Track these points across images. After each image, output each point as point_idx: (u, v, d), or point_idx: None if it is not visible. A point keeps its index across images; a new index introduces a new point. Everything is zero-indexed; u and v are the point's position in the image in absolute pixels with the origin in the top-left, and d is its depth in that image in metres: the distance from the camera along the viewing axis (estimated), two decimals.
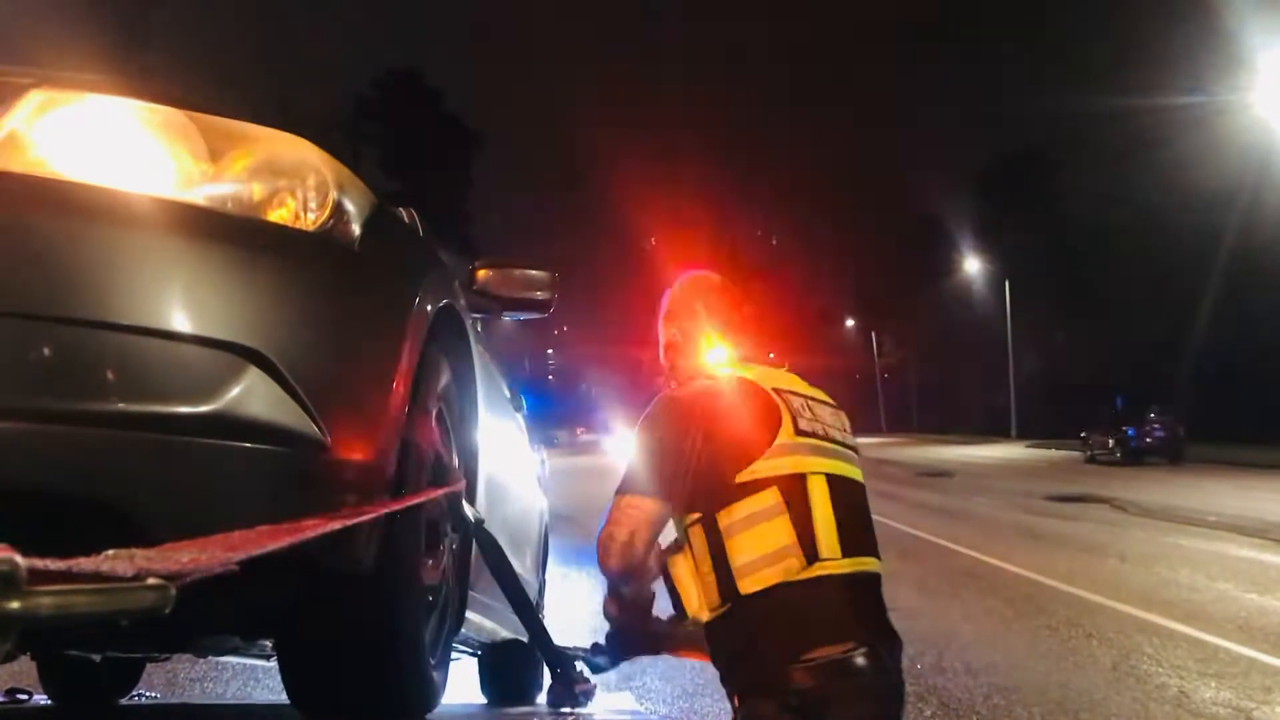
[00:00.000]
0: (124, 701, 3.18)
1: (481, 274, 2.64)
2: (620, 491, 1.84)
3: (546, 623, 2.69)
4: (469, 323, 2.20)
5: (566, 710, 2.30)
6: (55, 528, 1.02)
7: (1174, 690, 4.77)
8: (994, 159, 51.14)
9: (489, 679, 3.64)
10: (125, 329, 1.14)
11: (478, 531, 2.02)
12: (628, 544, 1.79)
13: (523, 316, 2.80)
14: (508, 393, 3.24)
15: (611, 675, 5.10)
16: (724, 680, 1.84)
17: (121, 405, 1.12)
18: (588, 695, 2.37)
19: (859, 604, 1.77)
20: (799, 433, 1.81)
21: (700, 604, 1.81)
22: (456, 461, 2.01)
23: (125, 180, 1.25)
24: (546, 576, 4.07)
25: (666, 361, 2.14)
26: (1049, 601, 7.11)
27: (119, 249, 1.18)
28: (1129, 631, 6.04)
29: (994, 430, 43.53)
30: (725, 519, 1.75)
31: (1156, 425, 24.25)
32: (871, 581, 1.83)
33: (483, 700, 3.57)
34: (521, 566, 2.79)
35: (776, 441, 1.78)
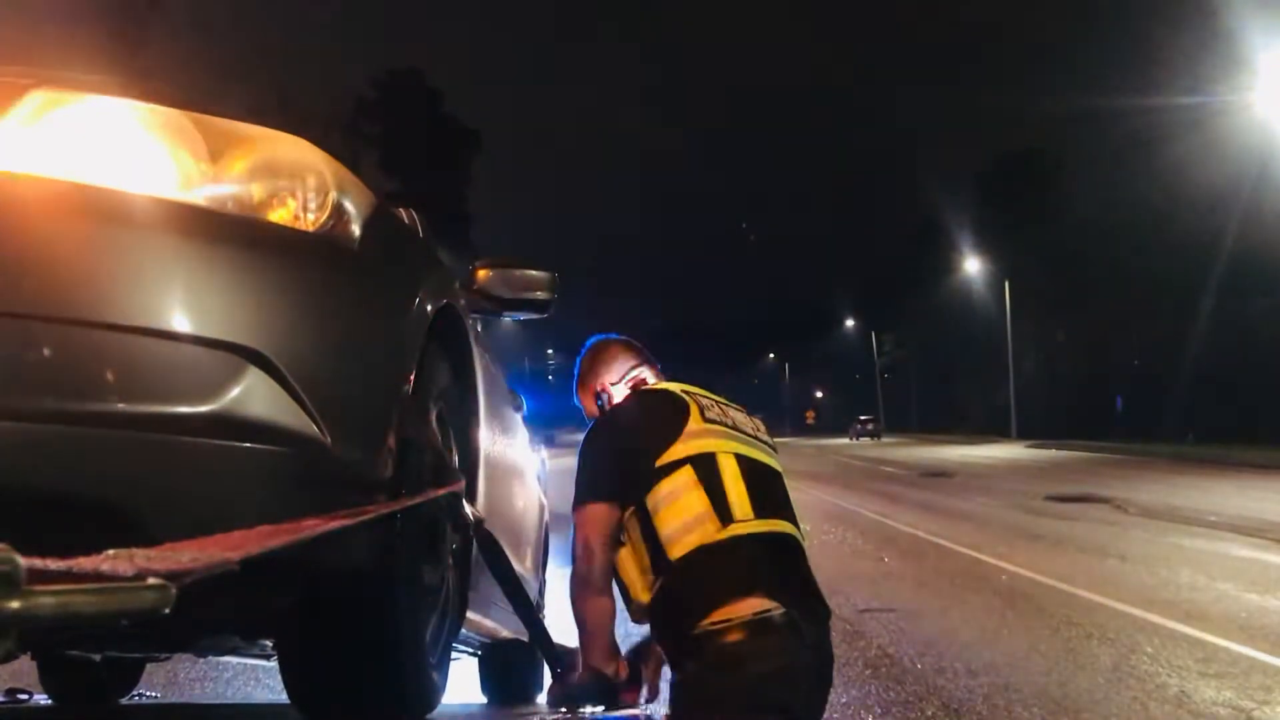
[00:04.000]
0: (124, 701, 3.18)
1: (481, 274, 2.64)
2: (575, 504, 2.07)
3: (546, 623, 2.69)
4: (469, 323, 2.20)
5: (566, 710, 2.30)
6: (55, 528, 1.02)
7: (1174, 690, 4.77)
8: (994, 159, 51.13)
9: (489, 679, 3.64)
10: (125, 329, 1.14)
11: (478, 531, 2.02)
12: (586, 545, 2.02)
13: (523, 317, 2.80)
14: (507, 393, 3.23)
15: None
16: (665, 652, 2.03)
17: (121, 405, 1.12)
18: None
19: (775, 562, 1.97)
20: (706, 420, 2.07)
21: (641, 585, 2.00)
22: (456, 461, 2.01)
23: (125, 181, 1.25)
24: (546, 576, 4.06)
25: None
26: (1049, 601, 7.11)
27: (119, 249, 1.18)
28: (1129, 631, 6.03)
29: (994, 430, 43.51)
30: (651, 500, 1.97)
31: (870, 422, 56.27)
32: (789, 543, 2.02)
33: (483, 700, 3.57)
34: (521, 566, 2.79)
35: (687, 428, 2.03)
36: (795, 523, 2.07)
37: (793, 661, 1.89)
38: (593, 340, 2.46)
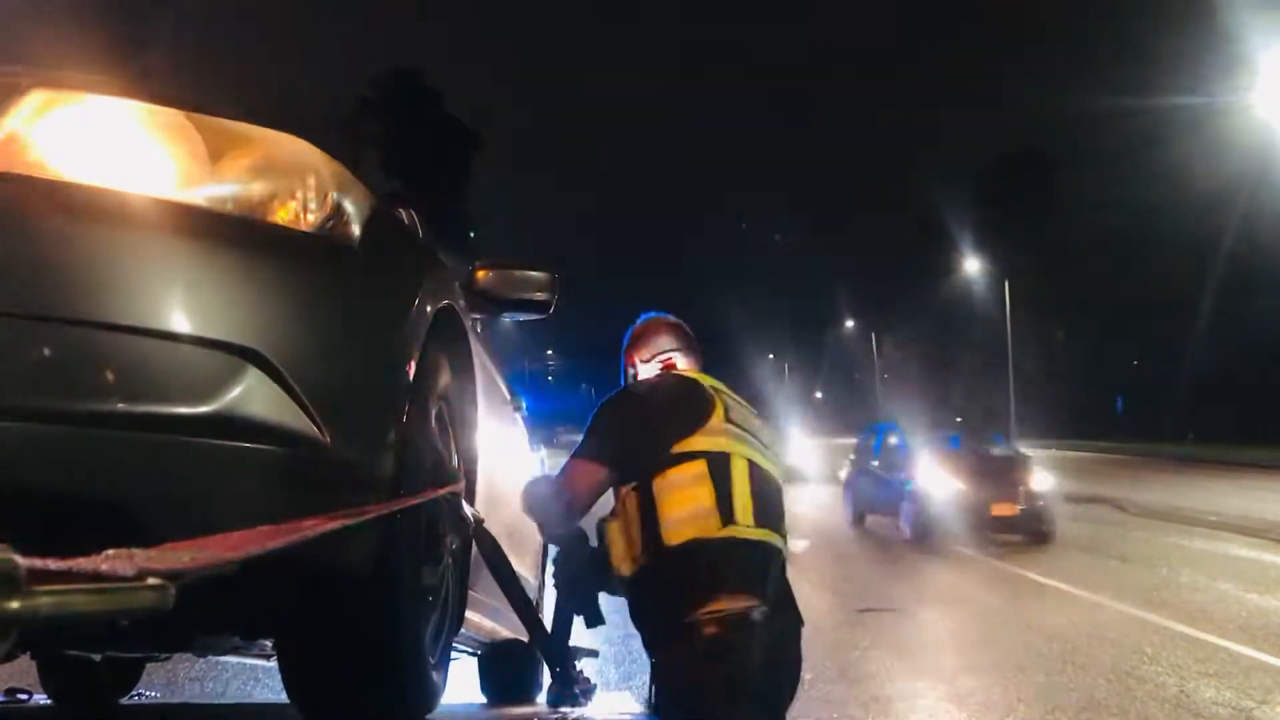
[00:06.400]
0: (124, 701, 3.18)
1: (481, 275, 2.63)
2: (574, 455, 2.16)
3: (546, 623, 2.69)
4: (469, 323, 2.20)
5: (566, 710, 2.30)
6: (55, 528, 1.02)
7: (1174, 690, 4.77)
8: (994, 160, 51.17)
9: (489, 679, 3.64)
10: (125, 329, 1.14)
11: (478, 531, 2.02)
12: (570, 503, 2.12)
13: (522, 317, 2.80)
14: (507, 393, 3.23)
15: (612, 675, 5.11)
16: (641, 631, 2.11)
17: (121, 405, 1.11)
18: (587, 694, 2.37)
19: (763, 569, 2.05)
20: (729, 420, 2.13)
21: (624, 558, 2.07)
22: (456, 461, 2.01)
23: (125, 181, 1.25)
24: (546, 577, 4.06)
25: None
26: (1049, 601, 7.12)
27: (119, 249, 1.18)
28: (1129, 631, 6.04)
29: (994, 430, 43.47)
30: (659, 483, 2.03)
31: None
32: (776, 554, 2.10)
33: (483, 700, 3.57)
34: (521, 566, 2.79)
35: (710, 423, 2.10)
36: (785, 538, 2.15)
37: (774, 657, 2.00)
38: (645, 316, 2.59)
